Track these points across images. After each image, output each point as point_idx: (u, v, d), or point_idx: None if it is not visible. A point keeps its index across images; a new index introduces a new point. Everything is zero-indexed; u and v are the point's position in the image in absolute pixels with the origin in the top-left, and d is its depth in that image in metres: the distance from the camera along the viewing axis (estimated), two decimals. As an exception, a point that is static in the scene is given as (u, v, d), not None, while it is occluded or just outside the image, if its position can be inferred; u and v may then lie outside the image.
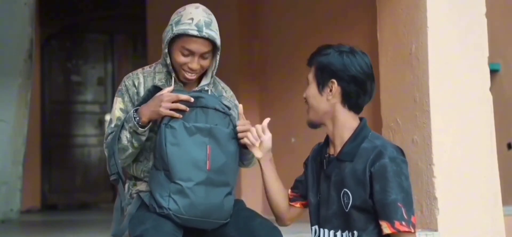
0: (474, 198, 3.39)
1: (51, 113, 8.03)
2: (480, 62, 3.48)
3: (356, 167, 2.20)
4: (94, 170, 8.23)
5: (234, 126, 2.46)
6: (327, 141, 2.37)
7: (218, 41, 2.49)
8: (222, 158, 2.41)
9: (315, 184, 2.37)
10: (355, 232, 2.21)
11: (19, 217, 5.53)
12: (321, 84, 2.27)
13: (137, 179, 2.57)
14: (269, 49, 5.82)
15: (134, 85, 2.56)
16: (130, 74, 2.61)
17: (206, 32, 2.44)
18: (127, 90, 2.56)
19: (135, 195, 2.54)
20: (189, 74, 2.51)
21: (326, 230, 2.29)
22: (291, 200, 2.49)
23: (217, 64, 2.55)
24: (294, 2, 5.44)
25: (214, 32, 2.47)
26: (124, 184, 2.50)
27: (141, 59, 7.88)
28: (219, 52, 2.53)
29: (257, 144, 2.43)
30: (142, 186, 2.55)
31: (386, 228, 2.15)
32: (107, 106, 8.31)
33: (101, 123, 8.25)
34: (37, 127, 7.47)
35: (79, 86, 8.28)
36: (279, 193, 2.48)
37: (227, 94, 2.67)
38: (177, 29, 2.45)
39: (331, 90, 2.26)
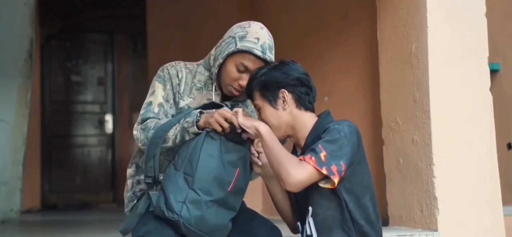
0: (474, 198, 3.39)
1: (51, 113, 8.04)
2: (480, 62, 3.48)
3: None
4: (94, 170, 8.24)
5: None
6: (295, 148, 2.43)
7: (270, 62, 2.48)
8: (243, 184, 2.39)
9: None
10: (310, 208, 2.30)
11: (19, 217, 5.53)
12: (273, 100, 2.36)
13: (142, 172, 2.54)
14: (269, 49, 5.81)
15: (177, 76, 2.52)
16: (174, 63, 2.56)
17: (268, 55, 2.46)
18: (171, 78, 2.51)
19: (139, 194, 2.52)
20: (236, 91, 2.49)
21: (306, 224, 2.34)
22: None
23: None
24: (294, 2, 5.44)
25: (273, 57, 2.49)
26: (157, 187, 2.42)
27: (141, 59, 7.88)
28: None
29: (259, 163, 2.45)
30: (145, 185, 2.54)
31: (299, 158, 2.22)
32: (107, 106, 8.31)
33: (101, 122, 8.25)
34: (37, 127, 7.47)
35: (79, 86, 8.29)
36: (284, 202, 2.49)
37: (250, 109, 2.64)
38: (242, 45, 2.43)
39: (284, 101, 2.35)
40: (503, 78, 5.21)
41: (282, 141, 2.37)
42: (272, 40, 2.51)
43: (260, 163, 2.43)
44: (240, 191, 2.39)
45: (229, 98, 2.56)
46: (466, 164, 3.40)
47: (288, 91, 2.35)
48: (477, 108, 3.46)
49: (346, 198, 2.25)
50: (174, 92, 2.50)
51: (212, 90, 2.52)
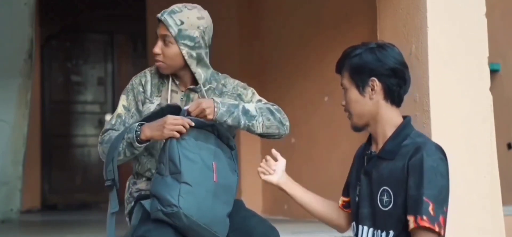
0: (474, 198, 3.39)
1: (51, 113, 8.04)
2: (480, 62, 3.48)
3: (397, 164, 2.16)
4: (94, 170, 8.24)
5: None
6: (370, 139, 2.33)
7: (171, 29, 2.49)
8: (225, 180, 2.42)
9: (356, 181, 2.32)
10: (391, 232, 2.16)
11: (19, 217, 5.53)
12: (361, 86, 2.22)
13: (138, 175, 2.58)
14: (269, 49, 5.82)
15: (141, 83, 2.60)
16: (139, 73, 2.64)
17: (164, 17, 2.51)
18: (133, 88, 2.60)
19: (135, 194, 2.54)
20: (156, 62, 2.54)
21: (365, 228, 2.24)
22: (344, 206, 2.44)
23: (187, 57, 2.51)
24: (294, 2, 5.44)
25: (172, 20, 2.50)
26: (118, 191, 2.47)
27: (141, 59, 7.88)
28: (182, 43, 2.50)
29: (273, 176, 2.44)
30: (142, 184, 2.56)
31: (411, 222, 2.08)
32: (107, 106, 8.32)
33: (101, 122, 8.25)
34: (37, 127, 7.47)
35: (79, 86, 8.29)
36: (317, 203, 2.45)
37: (227, 88, 2.66)
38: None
39: (373, 89, 2.21)
40: (503, 78, 5.20)
41: (361, 129, 2.28)
42: (193, 11, 2.53)
43: (272, 177, 2.44)
44: (227, 187, 2.43)
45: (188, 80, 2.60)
46: (466, 164, 3.40)
47: (379, 81, 2.20)
48: (477, 108, 3.45)
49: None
50: (136, 101, 2.58)
51: (168, 82, 2.59)
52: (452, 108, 3.40)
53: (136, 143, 2.40)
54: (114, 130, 2.54)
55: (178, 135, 2.34)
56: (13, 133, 5.42)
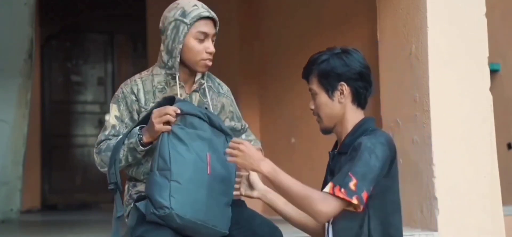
0: (474, 198, 3.39)
1: (51, 113, 8.04)
2: (480, 62, 3.48)
3: (348, 157, 2.22)
4: (94, 170, 8.14)
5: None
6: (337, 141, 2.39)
7: (218, 27, 2.53)
8: (221, 170, 2.38)
9: (325, 182, 2.36)
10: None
11: (19, 217, 5.53)
12: (330, 91, 2.29)
13: (137, 180, 2.57)
14: (269, 49, 5.82)
15: (133, 92, 2.52)
16: (128, 81, 2.57)
17: (213, 13, 2.50)
18: (125, 97, 2.52)
19: (135, 196, 2.53)
20: (209, 61, 2.50)
21: (326, 232, 2.29)
22: None
23: None
24: (294, 2, 5.43)
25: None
26: (122, 194, 2.46)
27: (141, 59, 7.88)
28: (214, 39, 2.55)
29: (253, 191, 2.46)
30: (142, 187, 2.55)
31: (328, 187, 2.16)
32: (107, 106, 8.30)
33: (101, 123, 8.25)
34: (37, 127, 7.47)
35: (79, 86, 8.29)
36: (296, 213, 2.46)
37: (223, 90, 2.67)
38: (190, 19, 2.46)
39: (342, 93, 2.28)
40: (503, 78, 5.20)
41: (331, 131, 2.34)
42: None
43: (252, 194, 2.44)
44: (224, 177, 2.38)
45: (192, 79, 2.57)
46: (466, 164, 3.40)
47: (348, 85, 2.28)
48: (477, 108, 3.45)
49: (371, 214, 2.19)
50: (130, 110, 2.52)
51: (175, 85, 2.52)
52: (452, 108, 3.40)
53: (140, 146, 2.38)
54: (107, 139, 2.50)
55: (169, 128, 2.31)
56: (13, 133, 5.42)
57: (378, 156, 2.16)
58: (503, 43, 5.10)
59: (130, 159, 2.43)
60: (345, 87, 2.28)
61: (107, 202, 8.05)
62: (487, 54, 3.50)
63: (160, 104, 2.40)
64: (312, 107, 2.35)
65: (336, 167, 2.28)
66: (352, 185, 2.12)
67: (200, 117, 2.38)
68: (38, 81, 7.64)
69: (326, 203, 2.14)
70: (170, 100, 2.41)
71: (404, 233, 3.16)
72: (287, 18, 5.54)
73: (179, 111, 2.32)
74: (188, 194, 2.27)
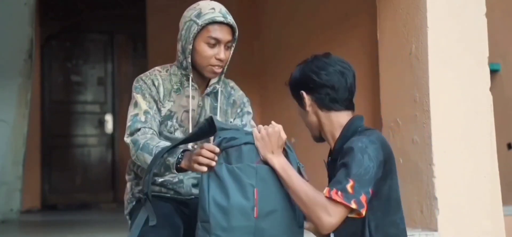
0: (474, 198, 3.39)
1: (51, 113, 8.03)
2: (480, 62, 3.48)
3: (340, 160, 2.18)
4: (94, 170, 8.23)
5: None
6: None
7: (237, 30, 2.46)
8: (272, 203, 2.12)
9: None
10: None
11: (19, 217, 5.53)
12: (299, 102, 2.31)
13: (140, 178, 2.56)
14: (269, 49, 5.82)
15: (154, 84, 2.47)
16: (148, 73, 2.51)
17: (229, 19, 2.44)
18: (148, 88, 2.46)
19: (138, 195, 2.53)
20: (217, 68, 2.44)
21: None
22: None
23: (229, 59, 2.50)
24: (294, 2, 5.44)
25: (233, 20, 2.46)
26: (151, 203, 2.35)
27: (141, 59, 7.88)
28: (234, 45, 2.49)
29: None
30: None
31: (324, 190, 2.11)
32: (107, 106, 8.31)
33: (101, 122, 8.25)
34: (37, 127, 7.46)
35: (79, 86, 8.28)
36: None
37: (236, 94, 2.64)
38: (203, 20, 2.40)
39: (307, 102, 2.28)
40: (503, 78, 5.20)
41: (320, 139, 2.32)
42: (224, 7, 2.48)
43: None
44: (275, 212, 2.12)
45: (205, 82, 2.52)
46: (466, 164, 3.40)
47: (307, 94, 2.27)
48: (477, 108, 3.46)
49: (370, 216, 2.14)
50: (155, 100, 2.45)
51: (188, 86, 2.48)
52: (452, 108, 3.40)
53: (175, 170, 2.25)
54: (145, 127, 2.40)
55: (205, 169, 2.12)
56: (13, 133, 5.42)
57: (371, 155, 2.12)
58: (503, 43, 5.10)
59: (162, 170, 2.32)
60: (305, 96, 2.27)
61: (107, 202, 8.06)
62: (487, 54, 3.50)
63: (200, 129, 2.23)
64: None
65: (333, 173, 2.24)
66: (349, 187, 2.07)
67: (247, 143, 2.16)
68: (38, 81, 7.63)
69: (328, 211, 2.08)
70: (210, 123, 2.20)
71: (404, 233, 3.15)
72: (287, 18, 5.54)
73: (217, 150, 2.12)
74: None
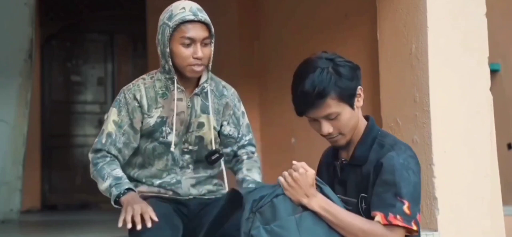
0: (474, 198, 3.39)
1: (51, 113, 8.03)
2: (480, 62, 3.48)
3: (368, 168, 2.12)
4: (94, 170, 8.22)
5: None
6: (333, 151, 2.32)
7: (212, 29, 2.45)
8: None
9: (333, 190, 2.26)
10: None
11: (19, 217, 5.53)
12: (352, 102, 2.17)
13: (138, 181, 2.57)
14: (269, 49, 5.82)
15: (136, 98, 2.49)
16: (131, 85, 2.53)
17: (201, 16, 2.42)
18: (126, 104, 2.49)
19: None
20: (197, 66, 2.43)
21: None
22: None
23: (212, 56, 2.49)
24: (294, 2, 5.43)
25: (207, 17, 2.45)
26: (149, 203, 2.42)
27: (141, 59, 7.88)
28: (213, 42, 2.48)
29: None
30: (143, 188, 2.55)
31: (378, 218, 2.01)
32: (107, 106, 8.31)
33: (101, 122, 8.25)
34: (37, 127, 7.47)
35: (79, 86, 8.28)
36: None
37: (228, 93, 2.64)
38: (174, 22, 2.40)
39: (359, 97, 2.20)
40: (503, 78, 5.20)
41: (346, 146, 2.22)
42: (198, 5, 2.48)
43: None
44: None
45: (190, 82, 2.53)
46: (466, 164, 3.40)
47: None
48: (477, 108, 3.45)
49: None
50: (131, 118, 2.48)
51: (174, 90, 2.48)
52: (452, 108, 3.40)
53: (113, 202, 2.38)
54: (104, 150, 2.49)
55: (129, 225, 2.23)
56: (13, 133, 5.42)
57: (414, 170, 2.06)
58: (503, 43, 5.10)
59: (108, 195, 2.44)
60: (361, 89, 2.20)
61: (107, 202, 8.06)
62: (487, 54, 3.50)
63: (227, 202, 2.18)
64: (331, 130, 2.17)
65: (350, 179, 2.18)
66: (406, 209, 1.99)
67: (277, 195, 2.04)
68: (38, 81, 7.63)
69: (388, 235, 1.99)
70: (234, 193, 2.14)
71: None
72: (287, 18, 5.54)
73: (155, 219, 2.23)
74: None
